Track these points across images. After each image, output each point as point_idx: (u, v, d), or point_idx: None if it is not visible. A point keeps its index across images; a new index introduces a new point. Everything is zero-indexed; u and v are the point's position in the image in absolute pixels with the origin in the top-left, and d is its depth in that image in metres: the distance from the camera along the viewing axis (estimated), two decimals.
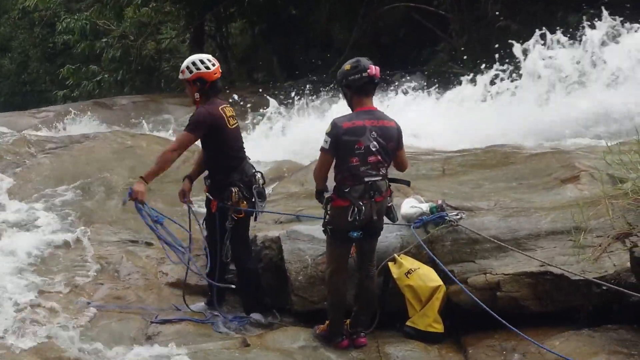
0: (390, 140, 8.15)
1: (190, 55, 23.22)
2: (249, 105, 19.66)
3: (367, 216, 8.04)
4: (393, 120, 8.31)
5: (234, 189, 9.14)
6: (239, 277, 9.56)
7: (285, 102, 19.96)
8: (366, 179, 8.00)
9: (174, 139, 16.65)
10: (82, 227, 11.69)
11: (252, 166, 9.57)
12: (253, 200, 9.30)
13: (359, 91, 8.15)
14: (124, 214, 12.29)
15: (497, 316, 7.83)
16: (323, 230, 8.35)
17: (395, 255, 8.90)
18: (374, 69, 8.07)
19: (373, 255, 8.50)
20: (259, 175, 9.50)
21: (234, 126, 9.43)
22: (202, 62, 9.24)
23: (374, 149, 7.99)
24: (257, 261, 9.64)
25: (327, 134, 7.95)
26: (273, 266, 9.70)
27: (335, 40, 28.24)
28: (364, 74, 8.05)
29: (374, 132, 7.99)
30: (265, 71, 30.13)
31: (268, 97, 18.89)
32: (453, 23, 22.91)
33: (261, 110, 19.12)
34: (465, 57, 20.76)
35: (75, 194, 12.84)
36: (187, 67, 9.27)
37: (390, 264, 8.86)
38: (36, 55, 36.09)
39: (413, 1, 23.35)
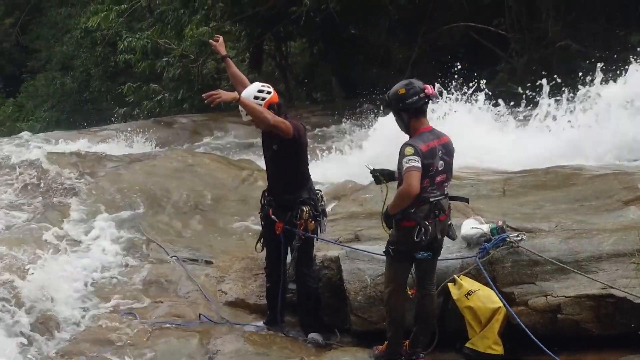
0: (452, 156, 8.16)
1: (249, 73, 23.30)
2: (307, 124, 19.71)
3: (432, 235, 8.02)
4: (446, 134, 8.30)
5: (305, 208, 9.13)
6: (300, 296, 9.57)
7: (343, 121, 20.02)
8: (431, 199, 7.97)
9: (234, 157, 16.82)
10: (142, 245, 11.82)
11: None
12: (318, 218, 9.30)
13: (416, 113, 8.09)
14: (184, 232, 12.40)
15: (534, 338, 7.85)
16: (384, 251, 8.33)
17: (455, 276, 8.87)
18: (430, 88, 8.02)
19: (433, 275, 8.47)
20: (320, 193, 9.53)
21: None
22: (261, 91, 9.18)
23: (440, 168, 7.97)
24: (317, 280, 9.64)
25: (413, 154, 7.78)
26: (332, 286, 9.69)
27: (394, 59, 28.23)
28: (421, 95, 7.98)
29: (440, 152, 7.97)
30: (324, 90, 30.19)
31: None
32: (513, 43, 22.81)
33: (319, 129, 19.19)
34: (525, 78, 20.65)
35: (135, 212, 12.93)
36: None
37: (450, 284, 8.84)
38: (98, 74, 36.46)
39: (473, 21, 23.29)
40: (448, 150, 8.09)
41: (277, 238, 9.32)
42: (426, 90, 7.96)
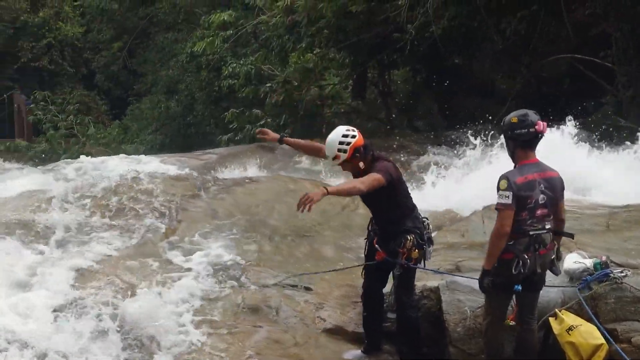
0: (556, 191, 8.12)
1: (352, 100, 23.38)
2: (408, 151, 19.74)
3: (531, 269, 7.99)
4: (556, 170, 8.27)
5: (410, 237, 9.07)
6: (399, 325, 9.55)
7: (445, 150, 19.94)
8: (531, 232, 7.95)
9: (334, 184, 16.83)
10: (242, 269, 11.92)
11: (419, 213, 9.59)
12: (424, 247, 9.25)
13: (523, 145, 8.13)
14: (284, 257, 12.46)
15: None
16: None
17: (557, 310, 8.78)
18: (542, 125, 8.01)
19: (534, 309, 8.43)
20: (427, 221, 9.50)
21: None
22: (345, 136, 9.22)
23: (542, 202, 7.96)
24: (417, 310, 9.61)
25: (505, 189, 7.87)
26: (431, 316, 9.68)
27: (497, 89, 28.11)
28: (531, 129, 8.01)
29: (542, 185, 7.97)
30: (425, 119, 30.14)
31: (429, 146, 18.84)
32: (619, 75, 22.46)
33: (420, 157, 19.18)
34: (631, 111, 20.33)
35: (236, 235, 13.04)
36: (340, 150, 9.21)
37: (551, 319, 8.75)
38: (202, 98, 36.89)
39: (578, 52, 23.03)
40: (552, 185, 8.07)
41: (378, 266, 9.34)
42: (537, 126, 7.98)
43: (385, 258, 9.20)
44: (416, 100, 29.85)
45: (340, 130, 9.37)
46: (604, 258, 9.13)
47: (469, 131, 18.10)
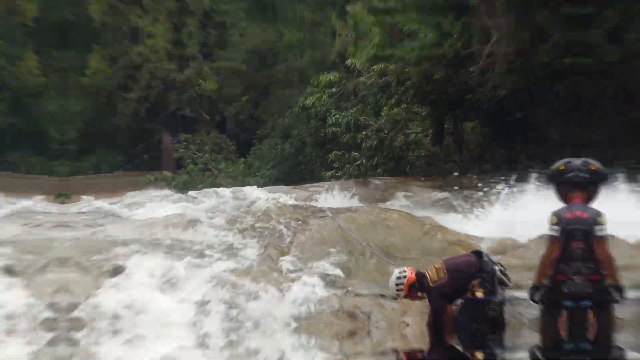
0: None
1: (432, 146, 23.13)
2: (475, 189, 19.73)
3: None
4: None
5: (475, 282, 9.55)
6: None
7: (507, 189, 19.75)
8: None
9: (417, 214, 16.81)
10: (342, 281, 12.07)
11: (492, 262, 9.82)
12: (488, 287, 9.56)
13: (573, 186, 8.14)
14: (377, 273, 12.48)
15: None
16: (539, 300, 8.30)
17: None
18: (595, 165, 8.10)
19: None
20: (497, 268, 9.64)
21: None
22: (399, 278, 10.04)
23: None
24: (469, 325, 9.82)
25: (555, 224, 7.94)
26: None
27: (550, 139, 27.71)
28: (578, 173, 8.06)
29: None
30: (491, 163, 29.92)
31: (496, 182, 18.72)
32: None
33: (485, 193, 19.09)
34: None
35: (338, 254, 13.11)
36: (397, 290, 10.09)
37: None
38: (311, 142, 37.14)
39: None
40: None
41: None
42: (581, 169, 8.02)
43: None
44: (485, 147, 29.69)
45: (395, 273, 10.15)
46: None
47: (531, 173, 17.96)
